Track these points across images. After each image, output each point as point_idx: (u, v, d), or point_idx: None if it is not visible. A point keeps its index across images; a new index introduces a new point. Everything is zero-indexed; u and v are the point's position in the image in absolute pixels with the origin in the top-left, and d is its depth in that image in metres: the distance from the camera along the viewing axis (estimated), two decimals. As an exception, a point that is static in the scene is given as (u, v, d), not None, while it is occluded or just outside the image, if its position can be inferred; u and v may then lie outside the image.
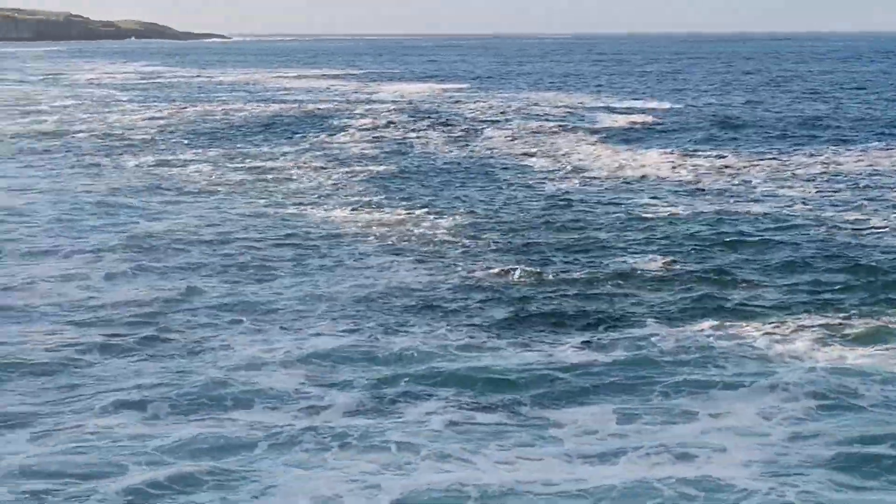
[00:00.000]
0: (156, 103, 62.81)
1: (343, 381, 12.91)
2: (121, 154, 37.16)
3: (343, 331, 15.02)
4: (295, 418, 11.70)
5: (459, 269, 18.92)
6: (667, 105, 56.85)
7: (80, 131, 45.73)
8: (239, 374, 13.14)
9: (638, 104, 58.03)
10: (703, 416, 11.83)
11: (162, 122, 50.03)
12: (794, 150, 36.53)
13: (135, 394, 12.45)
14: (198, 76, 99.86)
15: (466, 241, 21.39)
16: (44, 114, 55.50)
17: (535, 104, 59.20)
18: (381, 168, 32.98)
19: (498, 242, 21.35)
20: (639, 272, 18.66)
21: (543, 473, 10.35)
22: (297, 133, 44.32)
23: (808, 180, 29.78)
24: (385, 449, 10.90)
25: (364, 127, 46.24)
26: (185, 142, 41.16)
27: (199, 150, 38.22)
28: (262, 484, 10.08)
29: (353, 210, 25.06)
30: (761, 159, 34.15)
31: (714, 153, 35.83)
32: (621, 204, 26.20)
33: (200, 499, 9.75)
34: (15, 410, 11.95)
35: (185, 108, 58.53)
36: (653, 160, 34.32)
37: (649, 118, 48.93)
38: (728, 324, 15.27)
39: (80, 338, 14.69)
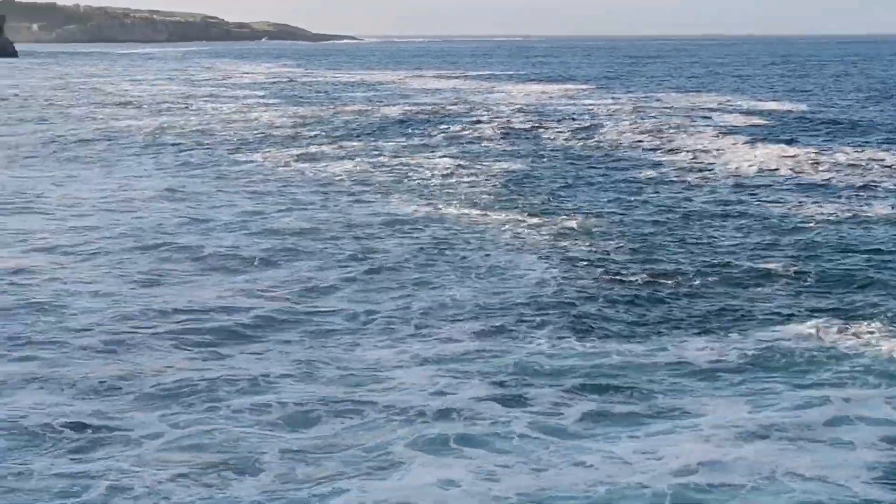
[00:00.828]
0: (291, 103, 64.08)
1: (472, 378, 13.03)
2: (259, 152, 38.13)
3: (472, 331, 15.10)
4: (425, 410, 11.87)
5: (586, 269, 18.93)
6: (793, 105, 55.91)
7: (220, 130, 47.06)
8: (370, 370, 13.37)
9: (765, 104, 57.20)
10: (833, 409, 11.80)
11: (298, 121, 51.15)
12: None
13: (266, 385, 12.80)
14: (330, 77, 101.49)
15: (593, 241, 21.42)
16: (183, 112, 57.21)
17: (660, 103, 58.88)
18: (509, 167, 33.19)
19: (624, 242, 21.33)
20: (764, 273, 18.51)
21: (680, 459, 10.51)
22: (427, 132, 44.86)
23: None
24: (512, 439, 11.07)
25: (492, 127, 46.45)
26: (321, 140, 42.04)
27: (335, 149, 39.01)
28: (394, 469, 10.33)
29: (481, 210, 25.23)
30: (889, 160, 33.47)
31: (840, 153, 35.23)
32: (747, 203, 26.08)
33: (339, 485, 9.97)
34: (150, 397, 12.36)
35: (320, 107, 59.64)
36: (779, 159, 33.92)
37: (776, 118, 48.32)
38: (855, 325, 15.06)
39: (214, 333, 15.04)
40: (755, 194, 27.55)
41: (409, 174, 31.81)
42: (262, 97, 70.93)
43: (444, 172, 32.01)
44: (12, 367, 13.31)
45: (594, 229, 22.62)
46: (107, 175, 32.32)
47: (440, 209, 25.39)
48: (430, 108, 57.61)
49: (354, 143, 40.77)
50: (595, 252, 20.37)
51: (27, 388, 12.56)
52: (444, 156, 36.30)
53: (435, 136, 43.41)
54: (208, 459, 10.52)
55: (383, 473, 10.27)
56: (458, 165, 33.55)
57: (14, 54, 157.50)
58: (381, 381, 12.95)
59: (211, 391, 12.56)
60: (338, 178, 31.16)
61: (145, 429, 11.32)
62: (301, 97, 70.63)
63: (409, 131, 45.38)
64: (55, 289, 17.46)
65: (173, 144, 41.08)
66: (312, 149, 39.05)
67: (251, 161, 35.63)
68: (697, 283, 17.94)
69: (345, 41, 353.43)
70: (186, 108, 61.00)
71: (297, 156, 36.84)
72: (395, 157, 36.26)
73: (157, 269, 19.04)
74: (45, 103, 64.74)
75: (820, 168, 32.21)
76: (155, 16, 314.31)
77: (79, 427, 11.32)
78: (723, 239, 21.68)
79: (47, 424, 11.35)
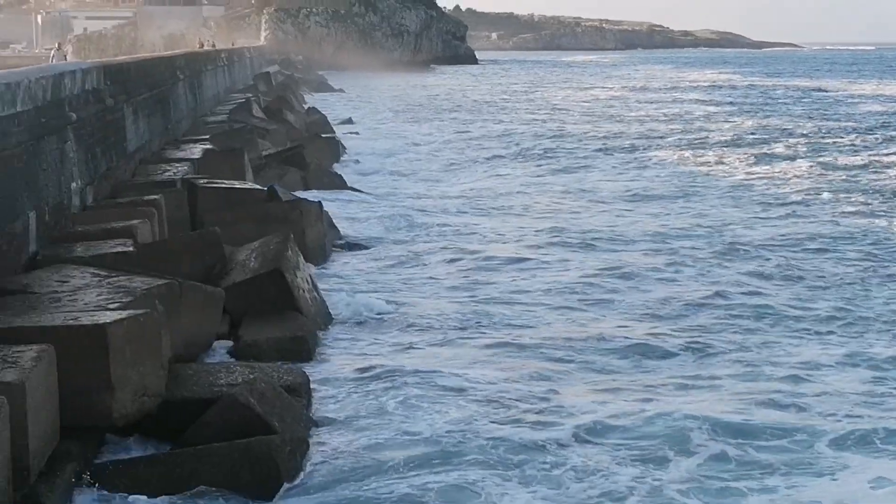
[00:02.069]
0: (735, 109, 64.26)
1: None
2: (705, 154, 38.77)
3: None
4: (854, 409, 12.01)
5: None
6: None
7: (667, 134, 48.02)
8: (802, 367, 13.63)
9: None
10: None
11: (739, 124, 51.61)
12: None
13: (706, 374, 13.38)
14: (769, 82, 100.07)
15: None
16: (626, 117, 58.56)
17: None
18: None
19: None
20: None
21: None
22: (876, 138, 43.82)
23: None
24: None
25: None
26: (766, 143, 42.16)
27: (778, 151, 39.37)
28: (822, 467, 10.55)
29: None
30: None
31: None
32: None
33: (767, 482, 10.25)
34: (590, 379, 13.32)
35: (757, 114, 59.49)
36: None
37: None
38: None
39: (676, 320, 15.96)
40: None
41: (857, 180, 31.35)
42: (706, 102, 71.35)
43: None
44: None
45: None
46: (566, 176, 34.05)
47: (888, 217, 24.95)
48: (877, 113, 55.78)
49: (798, 146, 40.82)
50: None
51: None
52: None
53: (882, 142, 42.36)
54: (641, 442, 11.11)
55: (811, 471, 10.47)
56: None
57: (475, 61, 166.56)
58: (812, 378, 13.18)
59: (647, 375, 13.41)
60: (801, 187, 31.37)
61: (583, 408, 12.05)
62: (741, 103, 70.69)
63: (857, 137, 44.46)
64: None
65: (622, 147, 42.35)
66: (763, 150, 39.56)
67: (693, 163, 36.31)
68: None
69: (784, 48, 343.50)
70: (630, 112, 62.45)
71: (749, 158, 37.36)
72: (847, 161, 35.75)
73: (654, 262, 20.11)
74: (496, 107, 68.56)
75: None
76: (604, 24, 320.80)
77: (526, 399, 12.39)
78: None
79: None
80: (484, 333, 15.28)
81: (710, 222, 24.68)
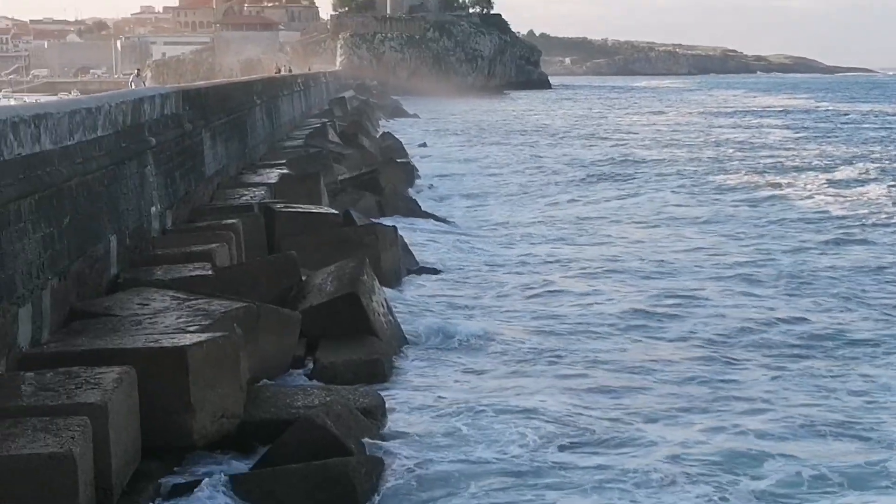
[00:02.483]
0: (810, 133, 63.55)
1: None
2: (785, 183, 38.39)
3: None
4: None
5: None
6: None
7: (735, 159, 47.62)
8: (880, 392, 13.65)
9: None
10: None
11: (820, 150, 51.31)
12: None
13: (777, 397, 13.38)
14: (843, 108, 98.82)
15: None
16: (693, 144, 58.17)
17: None
18: None
19: None
20: None
21: None
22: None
23: None
24: None
25: None
26: (847, 172, 41.79)
27: (855, 175, 39.07)
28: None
29: None
30: None
31: None
32: None
33: (840, 500, 10.35)
34: (668, 400, 13.32)
35: (834, 139, 58.91)
36: None
37: None
38: None
39: (728, 355, 15.67)
40: None
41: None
42: (779, 127, 70.86)
43: None
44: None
45: None
46: (639, 199, 34.15)
47: None
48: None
49: (872, 171, 40.85)
50: None
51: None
52: None
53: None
54: (714, 461, 11.16)
55: (886, 491, 10.50)
56: None
57: (548, 86, 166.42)
58: (885, 402, 13.21)
59: (719, 399, 13.37)
60: (863, 206, 31.32)
61: (657, 431, 12.11)
62: (814, 128, 70.32)
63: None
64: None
65: (695, 172, 42.08)
66: (837, 175, 39.40)
67: (767, 188, 36.06)
68: None
69: (858, 73, 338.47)
70: (703, 137, 62.06)
71: (823, 183, 37.37)
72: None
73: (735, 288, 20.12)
74: (568, 131, 68.57)
75: None
76: (677, 49, 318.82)
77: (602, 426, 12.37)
78: None
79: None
80: (560, 358, 15.32)
81: (783, 247, 24.54)
